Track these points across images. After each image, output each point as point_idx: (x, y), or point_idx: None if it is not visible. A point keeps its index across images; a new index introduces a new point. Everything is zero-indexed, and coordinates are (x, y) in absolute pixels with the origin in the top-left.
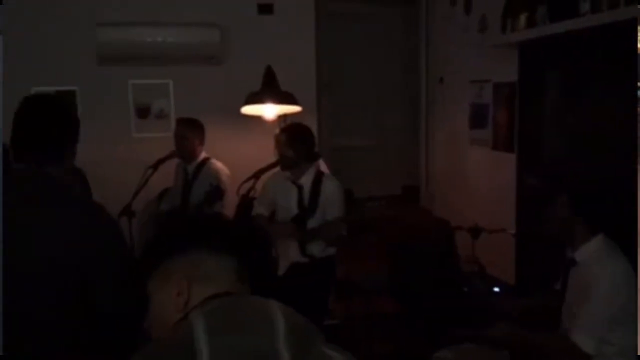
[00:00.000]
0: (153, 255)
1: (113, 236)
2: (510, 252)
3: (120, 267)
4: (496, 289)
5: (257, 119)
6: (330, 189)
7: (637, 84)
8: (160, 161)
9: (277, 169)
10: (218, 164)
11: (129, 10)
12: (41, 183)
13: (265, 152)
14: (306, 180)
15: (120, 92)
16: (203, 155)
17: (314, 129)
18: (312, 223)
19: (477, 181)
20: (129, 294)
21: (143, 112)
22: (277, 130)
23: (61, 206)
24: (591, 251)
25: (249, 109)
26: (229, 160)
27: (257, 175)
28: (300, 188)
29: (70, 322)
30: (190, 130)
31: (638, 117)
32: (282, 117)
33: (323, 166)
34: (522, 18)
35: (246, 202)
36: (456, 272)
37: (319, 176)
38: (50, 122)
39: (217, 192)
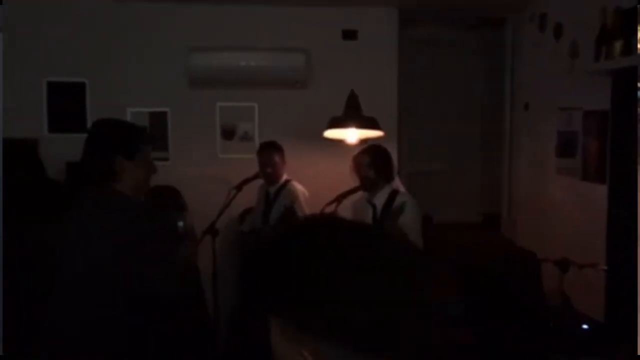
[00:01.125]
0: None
1: (157, 240)
2: (599, 287)
3: (168, 268)
4: (585, 326)
5: (339, 143)
6: (401, 203)
7: None
8: (245, 182)
9: (360, 193)
10: (298, 186)
11: (219, 36)
12: (102, 196)
13: (346, 175)
14: (380, 198)
15: (208, 114)
16: (285, 177)
17: (394, 153)
18: None
19: (564, 212)
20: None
21: (229, 133)
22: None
23: (115, 214)
24: None
25: (331, 133)
26: (310, 182)
27: (338, 198)
28: (374, 207)
29: (121, 325)
30: (275, 154)
31: (638, 117)
32: (364, 142)
33: (397, 183)
34: (618, 45)
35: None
36: (541, 306)
37: (393, 194)
38: (99, 146)
39: (290, 213)
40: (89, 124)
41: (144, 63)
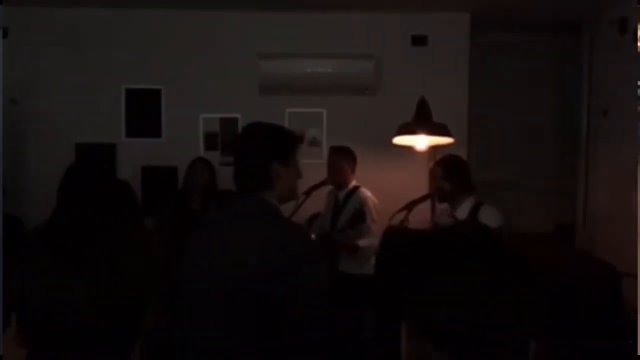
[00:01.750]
0: None
1: (306, 254)
2: None
3: (314, 285)
4: None
5: (408, 150)
6: (485, 216)
7: None
8: (314, 188)
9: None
10: (367, 192)
11: (289, 43)
12: (248, 205)
13: (415, 182)
14: (462, 211)
15: (278, 120)
16: (354, 183)
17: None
18: None
19: None
20: (322, 310)
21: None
22: (431, 164)
23: (261, 224)
24: None
25: (400, 140)
26: (378, 189)
27: (409, 206)
28: (456, 220)
29: (264, 337)
30: (344, 159)
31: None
32: (433, 149)
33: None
34: None
35: (392, 232)
36: (620, 322)
37: (477, 207)
38: (254, 151)
39: (359, 215)
40: (163, 130)
41: (216, 70)
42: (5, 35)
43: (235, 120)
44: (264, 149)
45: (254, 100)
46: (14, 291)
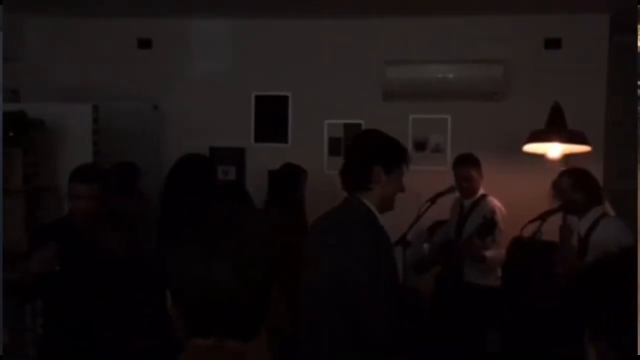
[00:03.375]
0: None
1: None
2: None
3: (386, 291)
4: None
5: (538, 158)
6: (603, 229)
7: None
8: (439, 195)
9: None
10: (495, 202)
11: (414, 49)
12: (346, 205)
13: (544, 192)
14: (586, 221)
15: (401, 126)
16: (481, 191)
17: (600, 169)
18: None
19: None
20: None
21: (420, 145)
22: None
23: (346, 223)
24: None
25: (532, 147)
26: (504, 198)
27: (543, 217)
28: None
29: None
30: (471, 167)
31: (638, 116)
32: (566, 157)
33: (608, 208)
34: None
35: (525, 243)
36: None
37: (599, 219)
38: (360, 151)
39: (490, 224)
40: (289, 135)
41: (341, 77)
42: (149, 46)
43: (359, 125)
44: (370, 151)
45: (378, 106)
46: (172, 276)
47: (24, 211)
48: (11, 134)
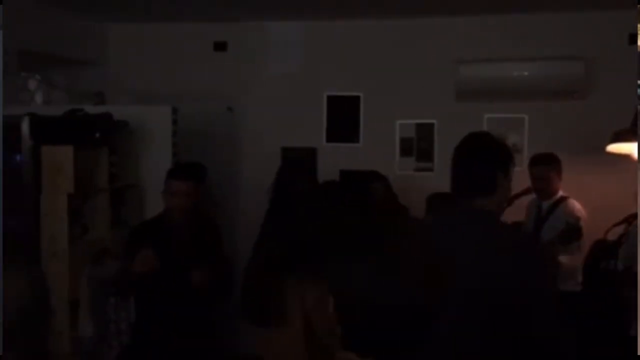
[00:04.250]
0: None
1: (543, 267)
2: None
3: (552, 299)
4: None
5: (621, 159)
6: None
7: None
8: (516, 197)
9: None
10: (576, 204)
11: (488, 46)
12: (472, 215)
13: (628, 194)
14: None
15: (475, 126)
16: (560, 193)
17: None
18: None
19: None
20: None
21: None
22: None
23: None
24: None
25: (615, 148)
26: (584, 200)
27: (629, 219)
28: None
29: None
30: (552, 169)
31: (638, 115)
32: None
33: None
34: None
35: (610, 246)
36: None
37: None
38: (484, 158)
39: (576, 231)
40: (361, 135)
41: (413, 76)
42: (224, 48)
43: (431, 126)
44: (493, 158)
45: (451, 106)
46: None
47: (109, 209)
48: (98, 135)
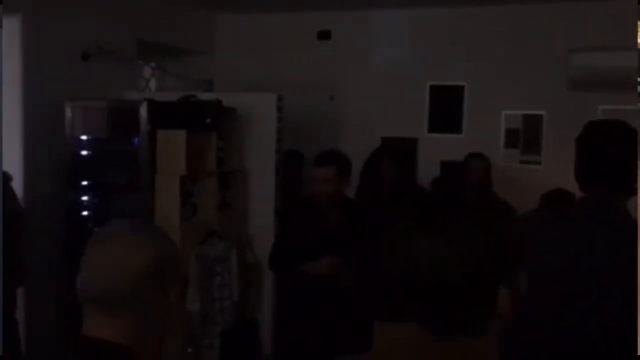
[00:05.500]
0: None
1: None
2: None
3: None
4: None
5: None
6: None
7: None
8: None
9: None
10: None
11: (604, 35)
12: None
13: None
14: None
15: (588, 117)
16: None
17: None
18: None
19: None
20: None
21: None
22: None
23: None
24: None
25: None
26: None
27: None
28: None
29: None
30: None
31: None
32: None
33: None
34: None
35: None
36: None
37: None
38: (616, 147)
39: None
40: (464, 126)
41: (521, 65)
42: (328, 37)
43: (539, 117)
44: (633, 146)
45: (562, 96)
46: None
47: (216, 191)
48: (208, 120)
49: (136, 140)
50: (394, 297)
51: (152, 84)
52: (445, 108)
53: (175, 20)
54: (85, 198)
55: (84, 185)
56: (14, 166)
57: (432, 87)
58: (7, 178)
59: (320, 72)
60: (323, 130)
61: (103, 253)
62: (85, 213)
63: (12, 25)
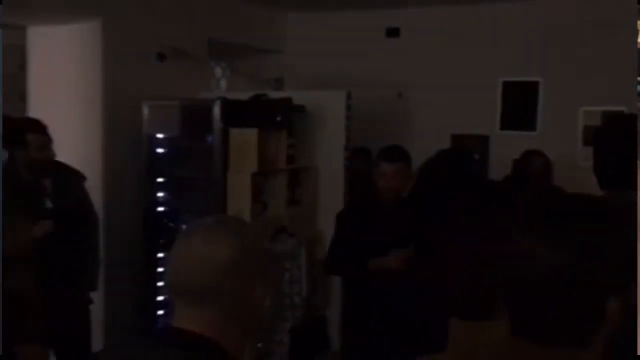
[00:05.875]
0: None
1: None
2: None
3: None
4: None
5: None
6: None
7: None
8: None
9: None
10: None
11: None
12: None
13: None
14: None
15: None
16: None
17: None
18: None
19: None
20: None
21: None
22: None
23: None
24: None
25: None
26: None
27: None
28: None
29: None
30: None
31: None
32: None
33: None
34: None
35: None
36: None
37: None
38: (619, 142)
39: None
40: (538, 123)
41: (599, 59)
42: (397, 34)
43: (620, 114)
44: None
45: None
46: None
47: (287, 188)
48: (279, 118)
49: (210, 138)
50: (489, 296)
51: (223, 84)
52: (519, 105)
53: (246, 20)
54: (161, 194)
55: (160, 182)
56: (95, 165)
57: (505, 84)
58: (81, 178)
59: (389, 70)
60: (391, 128)
61: (189, 247)
62: (161, 209)
63: (94, 29)
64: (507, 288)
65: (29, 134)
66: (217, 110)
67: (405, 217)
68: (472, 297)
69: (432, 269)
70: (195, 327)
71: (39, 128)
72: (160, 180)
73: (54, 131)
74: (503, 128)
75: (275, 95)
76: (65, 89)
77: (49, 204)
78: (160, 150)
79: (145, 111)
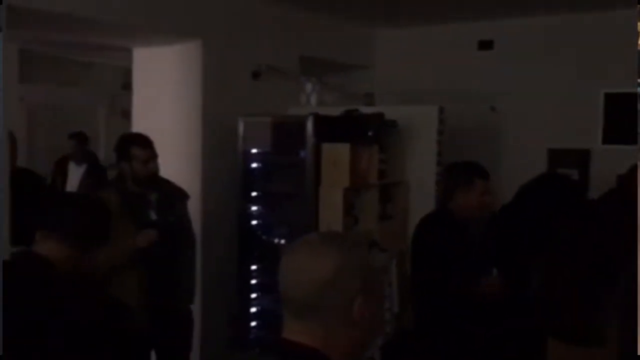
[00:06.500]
0: None
1: None
2: None
3: None
4: None
5: None
6: None
7: None
8: None
9: None
10: None
11: None
12: None
13: None
14: None
15: None
16: None
17: None
18: None
19: None
20: None
21: None
22: None
23: None
24: None
25: None
26: None
27: None
28: None
29: None
30: None
31: (638, 113)
32: None
33: None
34: None
35: None
36: None
37: None
38: None
39: None
40: None
41: None
42: (490, 47)
43: None
44: None
45: None
46: None
47: (377, 203)
48: (370, 133)
49: (302, 153)
50: (594, 320)
51: (313, 99)
52: (622, 117)
53: (336, 37)
54: (254, 208)
55: (254, 196)
56: (195, 180)
57: (607, 95)
58: (185, 197)
59: (481, 83)
60: (484, 142)
61: (293, 261)
62: (254, 222)
63: (195, 49)
64: (622, 316)
65: (135, 147)
66: (309, 125)
67: (492, 237)
68: (581, 321)
69: (526, 293)
70: (301, 338)
71: (145, 142)
72: (254, 194)
73: (157, 147)
74: (605, 142)
75: (366, 110)
76: (167, 107)
77: (153, 216)
78: (254, 165)
79: (241, 127)
